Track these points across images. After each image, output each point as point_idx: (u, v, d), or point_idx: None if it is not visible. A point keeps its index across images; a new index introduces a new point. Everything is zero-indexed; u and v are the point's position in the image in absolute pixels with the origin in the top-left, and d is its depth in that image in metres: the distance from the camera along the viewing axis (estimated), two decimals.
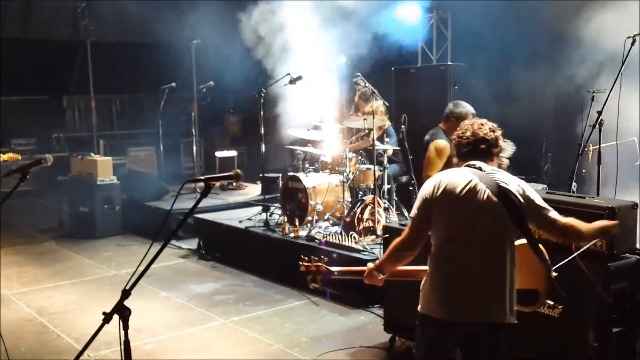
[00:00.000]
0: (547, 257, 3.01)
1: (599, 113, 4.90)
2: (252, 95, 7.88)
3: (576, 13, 7.01)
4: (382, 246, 5.44)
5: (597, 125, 4.91)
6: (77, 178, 9.67)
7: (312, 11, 8.85)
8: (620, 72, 4.78)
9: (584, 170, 5.56)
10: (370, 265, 3.17)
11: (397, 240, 3.10)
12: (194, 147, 11.00)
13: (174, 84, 10.32)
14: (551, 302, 3.44)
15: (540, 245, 3.03)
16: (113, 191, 9.43)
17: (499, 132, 3.13)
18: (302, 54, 8.55)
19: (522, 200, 2.93)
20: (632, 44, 4.84)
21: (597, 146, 5.05)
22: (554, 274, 3.06)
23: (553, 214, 3.02)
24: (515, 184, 2.97)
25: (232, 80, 9.70)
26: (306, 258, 3.29)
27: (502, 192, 2.90)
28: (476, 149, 3.07)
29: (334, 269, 3.24)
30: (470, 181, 2.93)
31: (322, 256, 3.33)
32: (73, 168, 9.89)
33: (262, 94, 7.76)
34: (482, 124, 3.13)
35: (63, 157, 11.40)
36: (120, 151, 13.00)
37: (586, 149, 5.07)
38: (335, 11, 8.83)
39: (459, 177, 2.97)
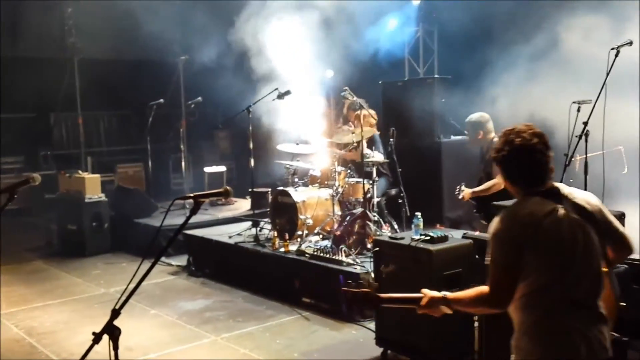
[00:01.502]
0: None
1: (585, 124, 4.94)
2: (241, 110, 7.89)
3: (562, 24, 7.09)
4: (372, 260, 5.44)
5: (584, 136, 4.95)
6: (65, 196, 9.62)
7: (299, 26, 8.90)
8: (605, 83, 4.83)
9: (571, 180, 5.59)
10: (432, 293, 2.73)
11: (482, 292, 2.58)
12: (183, 163, 10.99)
13: (162, 100, 10.31)
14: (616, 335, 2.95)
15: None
16: (101, 208, 9.39)
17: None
18: (289, 69, 8.59)
19: (597, 217, 2.60)
20: (616, 55, 4.90)
21: (584, 156, 5.09)
22: (623, 304, 2.86)
23: (622, 227, 2.71)
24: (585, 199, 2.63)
25: (221, 95, 9.70)
26: (352, 283, 2.89)
27: (582, 211, 2.57)
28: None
29: (383, 295, 2.82)
30: (554, 209, 2.53)
31: (370, 281, 3.04)
32: (61, 186, 9.84)
33: (251, 109, 7.78)
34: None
35: (51, 175, 11.34)
36: (108, 168, 12.96)
37: (573, 159, 5.11)
38: (321, 26, 8.88)
39: (541, 206, 2.55)
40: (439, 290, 2.76)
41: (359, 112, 7.34)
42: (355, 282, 2.91)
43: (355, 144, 7.37)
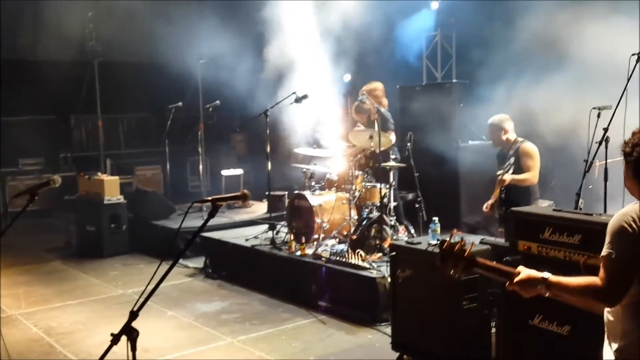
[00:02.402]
0: None
1: (605, 130, 4.89)
2: (258, 114, 7.92)
3: (580, 29, 7.04)
4: (389, 264, 5.42)
5: (604, 142, 4.91)
6: (84, 197, 9.71)
7: (317, 30, 8.92)
8: (626, 88, 4.78)
9: (590, 186, 5.55)
10: (532, 272, 2.59)
11: (594, 283, 2.47)
12: (200, 166, 11.04)
13: (180, 103, 10.39)
14: None
15: None
16: (120, 210, 9.46)
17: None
18: (307, 73, 8.60)
19: None
20: (637, 61, 4.85)
21: (604, 162, 5.04)
22: None
23: None
24: None
25: (238, 99, 9.75)
26: (454, 235, 2.75)
27: None
28: None
29: (480, 259, 2.66)
30: None
31: (472, 241, 2.75)
32: (80, 187, 9.94)
33: (268, 113, 7.80)
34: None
35: (70, 177, 11.46)
36: (126, 170, 13.06)
37: (593, 165, 5.06)
38: (339, 29, 8.89)
39: None
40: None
41: (364, 114, 7.43)
42: (455, 239, 2.73)
43: (372, 147, 7.32)
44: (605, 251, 2.46)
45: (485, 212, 6.18)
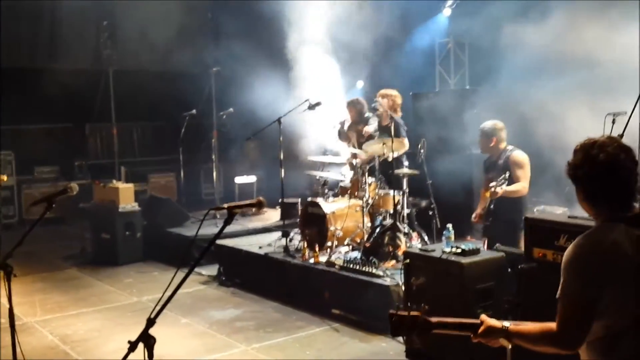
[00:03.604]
0: None
1: (621, 136, 4.85)
2: (272, 122, 7.95)
3: (593, 34, 7.02)
4: (402, 272, 5.41)
5: None
6: (99, 205, 9.77)
7: (330, 37, 8.95)
8: None
9: None
10: (493, 322, 2.41)
11: (549, 329, 2.25)
12: (214, 173, 11.09)
13: (194, 111, 10.45)
14: None
15: None
16: (134, 218, 9.50)
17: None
18: (320, 80, 8.64)
19: None
20: None
21: None
22: None
23: None
24: None
25: (252, 106, 9.80)
26: (400, 306, 2.57)
27: None
28: None
29: (434, 319, 2.50)
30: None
31: (423, 304, 2.56)
32: (95, 195, 10.01)
33: (281, 120, 7.82)
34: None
35: (85, 185, 11.54)
36: (141, 178, 13.13)
37: None
38: (352, 37, 8.92)
39: (627, 236, 2.22)
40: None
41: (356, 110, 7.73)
42: (402, 306, 2.59)
43: (385, 154, 7.32)
44: (558, 292, 2.23)
45: (475, 222, 6.12)
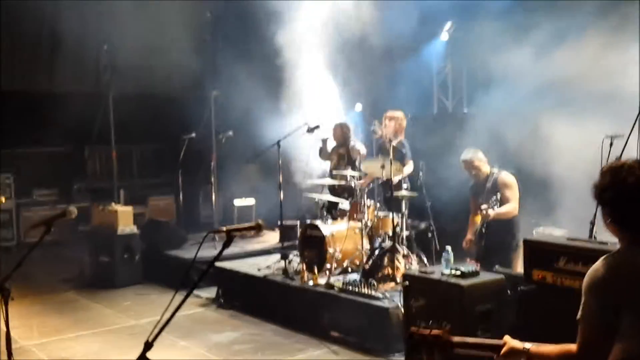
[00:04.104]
0: None
1: (618, 158, 4.87)
2: (271, 145, 7.97)
3: (590, 59, 7.08)
4: (402, 294, 5.38)
5: None
6: (98, 228, 9.74)
7: (329, 61, 9.01)
8: (639, 116, 4.77)
9: None
10: (514, 343, 2.43)
11: (569, 351, 2.28)
12: (213, 196, 11.09)
13: (193, 134, 10.47)
14: None
15: None
16: (133, 240, 9.47)
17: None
18: (319, 103, 8.69)
19: None
20: None
21: None
22: None
23: None
24: None
25: (251, 129, 9.84)
26: (422, 324, 2.55)
27: None
28: None
29: (457, 339, 2.49)
30: None
31: (444, 323, 2.56)
32: (94, 218, 9.98)
33: (280, 144, 7.84)
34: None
35: (84, 207, 11.50)
36: (140, 200, 13.10)
37: None
38: (351, 59, 8.98)
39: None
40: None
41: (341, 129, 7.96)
42: (424, 324, 2.55)
43: (383, 177, 7.33)
44: (578, 314, 2.24)
45: (465, 248, 6.10)
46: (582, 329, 2.21)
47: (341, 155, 8.15)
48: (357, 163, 7.95)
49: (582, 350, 2.21)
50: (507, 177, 5.96)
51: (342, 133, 8.15)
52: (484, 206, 5.75)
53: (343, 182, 7.78)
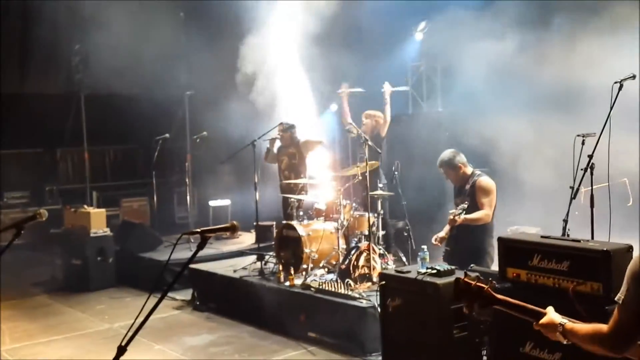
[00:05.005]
0: None
1: (590, 157, 4.95)
2: (245, 145, 7.95)
3: (565, 56, 7.18)
4: (378, 293, 5.39)
5: (589, 169, 4.95)
6: (70, 231, 9.62)
7: (304, 60, 9.01)
8: (609, 116, 4.84)
9: (576, 212, 5.58)
10: (554, 316, 2.49)
11: (600, 331, 2.35)
12: (188, 197, 11.01)
13: (167, 134, 10.39)
14: None
15: None
16: (106, 243, 9.38)
17: None
18: (295, 103, 8.67)
19: None
20: (620, 89, 4.92)
21: (589, 188, 5.08)
22: None
23: None
24: None
25: (226, 129, 9.78)
26: (469, 273, 2.64)
27: None
28: None
29: (500, 296, 2.54)
30: None
31: (491, 279, 2.60)
32: (66, 220, 9.85)
33: (255, 143, 7.82)
34: None
35: (56, 210, 11.36)
36: (113, 202, 12.98)
37: (579, 192, 5.10)
38: (326, 58, 8.98)
39: None
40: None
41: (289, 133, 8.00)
42: (473, 275, 2.58)
43: (359, 177, 7.37)
44: (617, 296, 2.30)
45: (435, 244, 5.83)
46: (619, 312, 2.28)
47: (291, 154, 8.16)
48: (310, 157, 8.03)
49: (614, 333, 2.29)
50: (485, 181, 5.71)
51: (290, 135, 8.14)
52: (451, 211, 5.62)
53: (316, 183, 7.80)
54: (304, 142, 8.14)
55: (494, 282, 2.59)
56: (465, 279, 2.57)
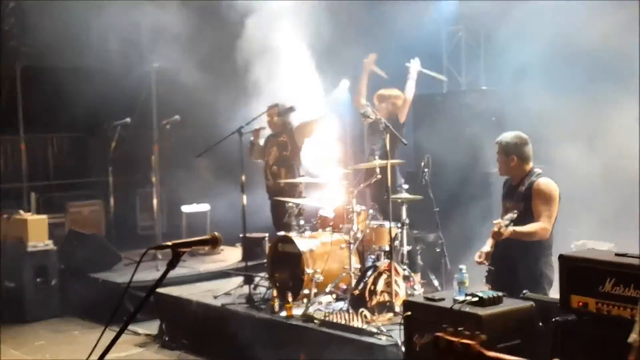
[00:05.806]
0: None
1: None
2: (230, 133, 7.95)
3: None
4: (402, 327, 5.39)
5: None
6: (2, 243, 9.65)
7: (305, 23, 9.00)
8: None
9: None
10: None
11: None
12: (154, 200, 11.04)
13: (128, 119, 10.41)
14: None
15: None
16: (48, 260, 9.44)
17: None
18: (294, 79, 8.66)
19: None
20: None
21: None
22: None
23: None
24: None
25: (204, 113, 9.80)
26: (450, 329, 2.65)
27: None
28: None
29: (491, 354, 2.59)
30: None
31: (479, 332, 2.64)
32: None
33: (243, 132, 7.82)
34: None
35: None
36: (57, 207, 12.99)
37: None
38: (333, 24, 8.98)
39: None
40: None
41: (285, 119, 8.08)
42: (454, 328, 2.64)
43: (378, 174, 7.33)
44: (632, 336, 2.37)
45: (478, 262, 5.74)
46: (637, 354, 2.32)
47: (282, 144, 8.17)
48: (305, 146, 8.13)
49: None
50: (546, 184, 5.56)
51: (281, 120, 8.17)
52: (496, 221, 5.50)
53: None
54: (297, 127, 8.16)
55: (482, 335, 2.60)
56: (446, 336, 2.59)
